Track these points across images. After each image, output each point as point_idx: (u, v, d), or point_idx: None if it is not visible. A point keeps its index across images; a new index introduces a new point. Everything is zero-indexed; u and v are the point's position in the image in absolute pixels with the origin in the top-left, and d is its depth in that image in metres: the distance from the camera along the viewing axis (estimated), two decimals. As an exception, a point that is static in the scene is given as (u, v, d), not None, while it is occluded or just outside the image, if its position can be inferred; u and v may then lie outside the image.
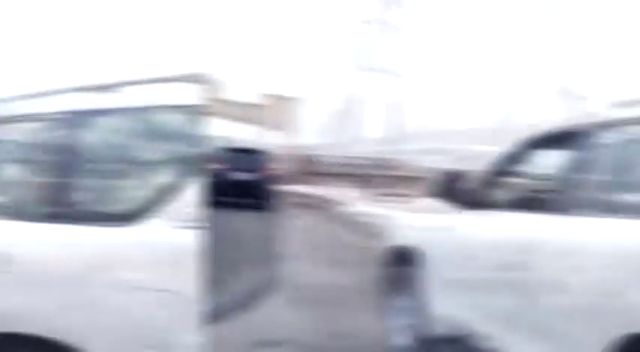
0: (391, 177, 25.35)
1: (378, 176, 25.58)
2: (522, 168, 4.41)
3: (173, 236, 3.26)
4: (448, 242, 4.60)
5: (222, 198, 7.23)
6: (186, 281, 3.21)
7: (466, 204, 4.44)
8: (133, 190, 3.46)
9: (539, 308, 3.53)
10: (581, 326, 3.20)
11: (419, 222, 5.25)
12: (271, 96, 31.11)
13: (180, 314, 3.25)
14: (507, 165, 4.38)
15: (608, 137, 3.46)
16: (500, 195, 4.48)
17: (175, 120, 3.44)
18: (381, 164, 28.43)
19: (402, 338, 5.03)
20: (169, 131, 3.47)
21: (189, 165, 3.33)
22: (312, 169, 27.33)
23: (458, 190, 4.47)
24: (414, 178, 21.58)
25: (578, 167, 3.59)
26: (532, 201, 4.15)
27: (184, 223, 3.24)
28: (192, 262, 3.21)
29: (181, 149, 3.38)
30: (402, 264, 5.08)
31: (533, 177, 4.37)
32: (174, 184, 3.32)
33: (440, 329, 4.59)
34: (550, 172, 4.04)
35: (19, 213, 3.44)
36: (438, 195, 4.60)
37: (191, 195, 3.27)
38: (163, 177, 3.38)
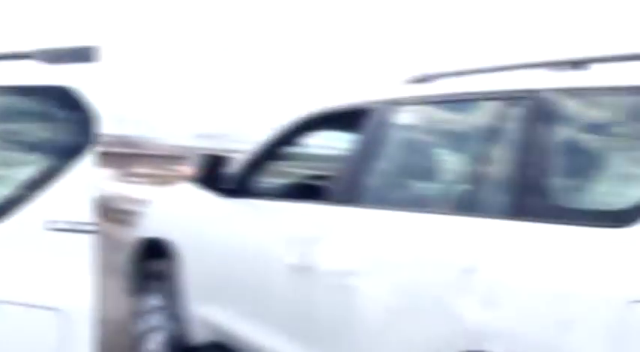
0: (143, 156, 24.29)
1: (126, 154, 24.37)
2: (295, 151, 3.96)
3: (44, 239, 2.83)
4: (204, 234, 4.10)
5: None
6: (66, 296, 2.83)
7: (227, 191, 3.91)
8: None
9: (312, 314, 3.08)
10: (371, 338, 2.75)
11: (173, 210, 4.64)
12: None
13: (58, 335, 2.85)
14: (277, 148, 3.89)
15: (396, 117, 3.05)
16: (266, 181, 4.00)
17: (44, 104, 3.04)
18: (128, 142, 27.18)
19: (154, 346, 4.42)
20: (36, 116, 3.11)
21: (60, 155, 2.91)
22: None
23: (219, 175, 3.91)
24: (171, 158, 20.84)
25: (359, 150, 3.14)
26: (304, 189, 3.73)
27: (56, 225, 2.83)
28: (73, 272, 2.81)
29: (49, 136, 3.03)
30: (153, 259, 4.48)
31: (307, 161, 3.93)
32: (41, 178, 2.88)
33: (197, 336, 4.08)
34: (325, 156, 3.62)
35: None
36: (197, 181, 4.01)
37: (66, 191, 2.84)
38: (26, 171, 2.96)
